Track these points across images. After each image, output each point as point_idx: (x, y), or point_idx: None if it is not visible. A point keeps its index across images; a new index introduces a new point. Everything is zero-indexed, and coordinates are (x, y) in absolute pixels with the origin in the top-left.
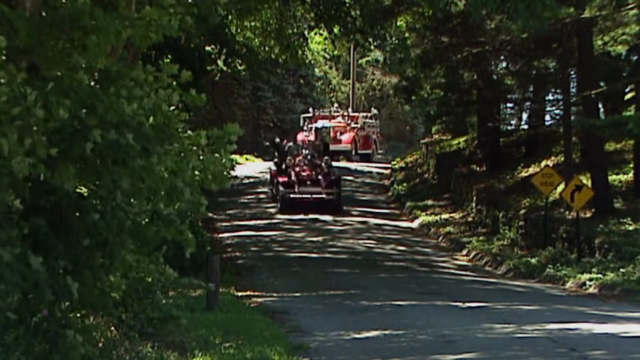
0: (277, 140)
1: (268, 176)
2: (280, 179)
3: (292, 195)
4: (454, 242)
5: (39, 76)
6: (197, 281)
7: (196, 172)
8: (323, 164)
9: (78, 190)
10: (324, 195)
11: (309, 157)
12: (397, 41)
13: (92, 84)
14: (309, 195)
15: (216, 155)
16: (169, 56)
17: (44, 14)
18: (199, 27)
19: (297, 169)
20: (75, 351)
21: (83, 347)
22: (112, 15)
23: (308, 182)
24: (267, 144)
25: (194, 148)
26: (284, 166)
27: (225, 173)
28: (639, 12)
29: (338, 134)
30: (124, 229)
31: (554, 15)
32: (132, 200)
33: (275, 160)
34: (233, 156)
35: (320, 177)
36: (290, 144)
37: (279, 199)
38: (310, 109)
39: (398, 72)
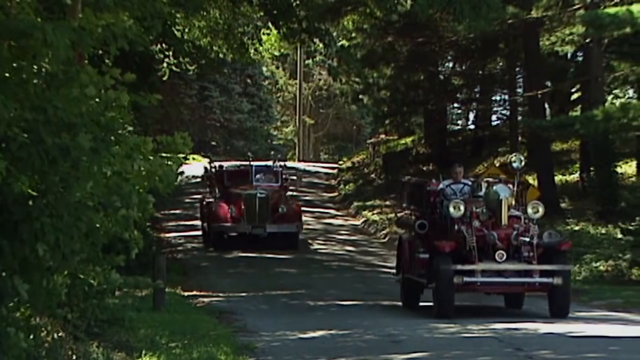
0: (411, 179)
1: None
2: (439, 246)
3: (468, 279)
4: None
5: None
6: (143, 279)
7: (142, 173)
8: (527, 217)
9: (27, 191)
10: (537, 279)
11: (503, 202)
12: (341, 47)
13: (38, 83)
14: (504, 279)
15: (164, 158)
16: (117, 52)
17: None
18: (145, 33)
19: (476, 223)
20: (18, 348)
21: (25, 342)
22: (62, 27)
23: (501, 252)
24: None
25: (142, 151)
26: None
27: (172, 176)
28: (585, 13)
29: (280, 206)
30: (74, 231)
31: (499, 16)
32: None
33: (401, 215)
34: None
35: (525, 240)
36: (446, 184)
37: (434, 289)
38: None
39: (345, 73)
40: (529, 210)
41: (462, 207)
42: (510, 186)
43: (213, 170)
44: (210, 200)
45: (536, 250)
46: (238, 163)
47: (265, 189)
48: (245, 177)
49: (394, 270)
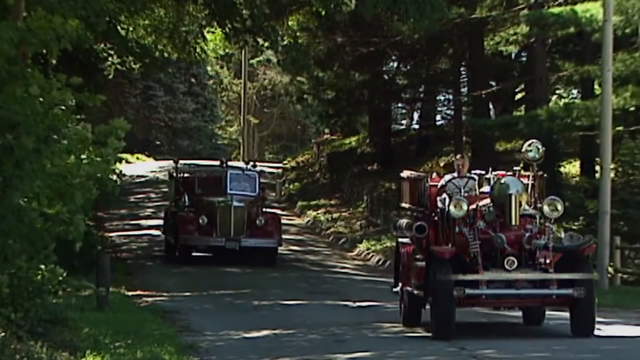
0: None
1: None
2: (436, 252)
3: (471, 291)
4: (345, 242)
5: None
6: (87, 283)
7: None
8: (541, 217)
9: None
10: (554, 290)
11: (513, 199)
12: (289, 42)
13: None
14: (515, 291)
15: (103, 152)
16: (59, 52)
17: None
18: (89, 31)
19: (482, 224)
20: None
21: None
22: (6, 25)
23: (511, 259)
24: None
25: (81, 145)
26: (436, 226)
27: (111, 176)
28: (529, 12)
29: (258, 218)
30: (15, 233)
31: (444, 16)
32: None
33: (397, 222)
34: (123, 155)
35: (540, 243)
36: (448, 179)
37: (431, 303)
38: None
39: (290, 72)
40: (545, 208)
41: (464, 206)
42: (523, 180)
43: (180, 175)
44: (177, 210)
45: (553, 256)
46: (208, 163)
47: (241, 198)
48: (218, 184)
49: (391, 282)
